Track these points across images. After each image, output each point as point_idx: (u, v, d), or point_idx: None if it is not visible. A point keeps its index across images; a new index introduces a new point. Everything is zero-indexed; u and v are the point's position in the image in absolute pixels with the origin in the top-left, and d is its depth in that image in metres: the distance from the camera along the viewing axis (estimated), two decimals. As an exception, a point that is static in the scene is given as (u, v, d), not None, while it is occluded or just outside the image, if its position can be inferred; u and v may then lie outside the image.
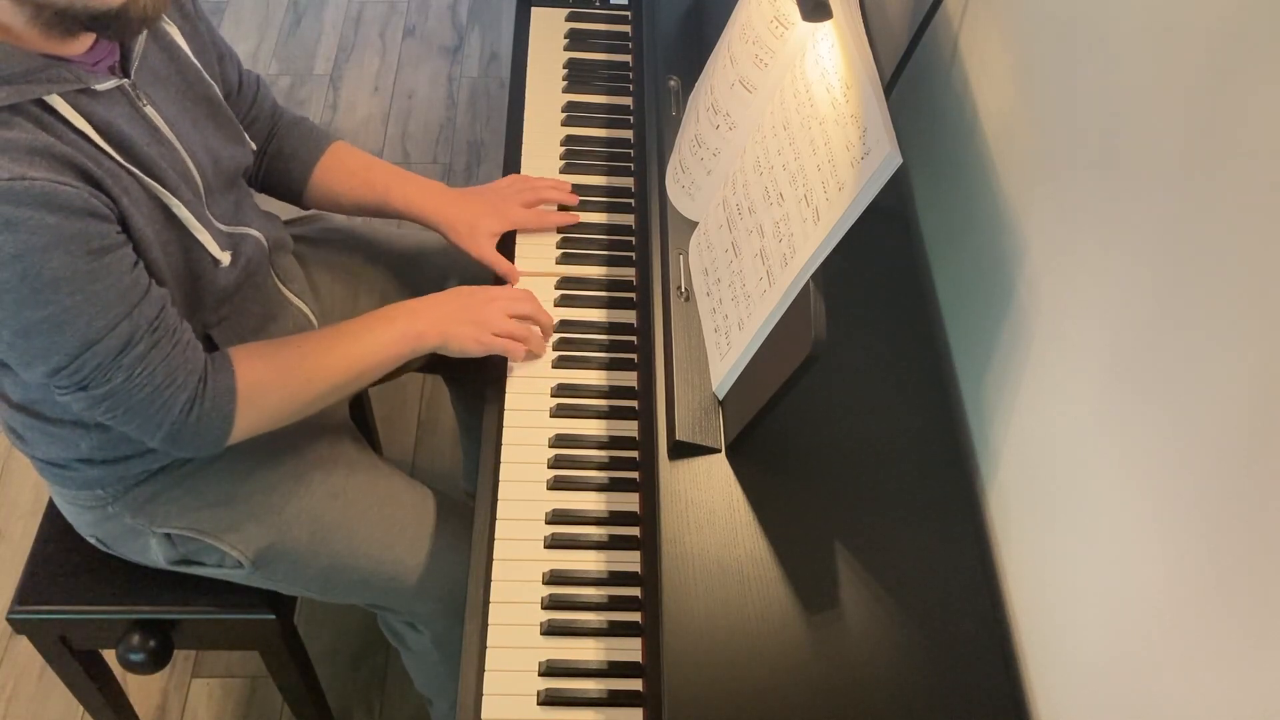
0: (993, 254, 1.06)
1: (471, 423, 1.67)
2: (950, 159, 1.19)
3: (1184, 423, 0.73)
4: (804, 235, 0.96)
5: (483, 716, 0.98)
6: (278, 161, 1.33)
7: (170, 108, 1.07)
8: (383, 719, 1.76)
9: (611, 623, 1.04)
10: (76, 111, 0.94)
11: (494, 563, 1.07)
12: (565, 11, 1.61)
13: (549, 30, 1.59)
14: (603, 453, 1.16)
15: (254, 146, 1.23)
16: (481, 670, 1.00)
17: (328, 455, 1.27)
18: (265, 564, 1.24)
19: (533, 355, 1.22)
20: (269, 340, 1.15)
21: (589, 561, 1.08)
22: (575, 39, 1.58)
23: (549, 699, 0.99)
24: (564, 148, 1.44)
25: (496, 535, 1.09)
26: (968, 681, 0.94)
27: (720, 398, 1.07)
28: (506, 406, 1.19)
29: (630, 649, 1.03)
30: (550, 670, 1.01)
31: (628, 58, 1.56)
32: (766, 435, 1.04)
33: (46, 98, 0.91)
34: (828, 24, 1.01)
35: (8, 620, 1.30)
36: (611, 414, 1.19)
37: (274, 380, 1.10)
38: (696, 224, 1.20)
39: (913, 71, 1.27)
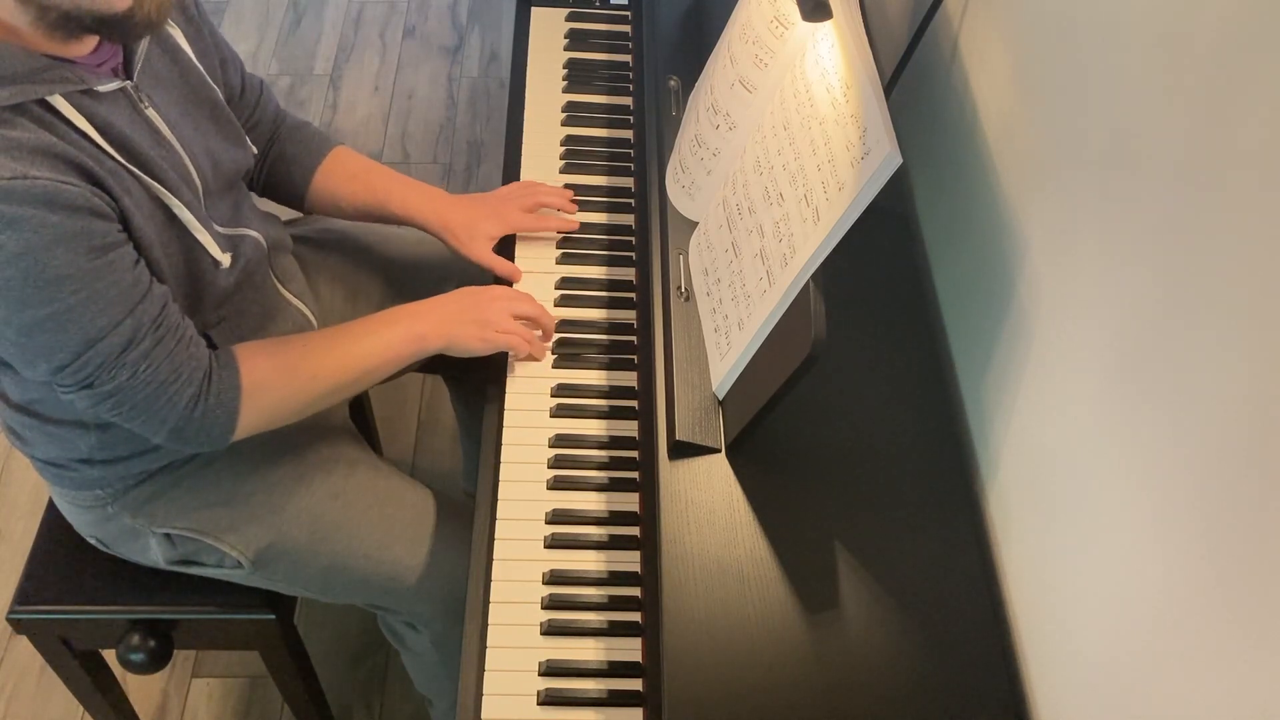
0: (993, 254, 1.06)
1: (471, 423, 1.67)
2: (950, 159, 1.19)
3: (1184, 423, 0.73)
4: (804, 235, 0.96)
5: (483, 716, 0.98)
6: (279, 166, 1.33)
7: (172, 110, 1.07)
8: (382, 719, 1.76)
9: (611, 623, 1.04)
10: (78, 112, 0.94)
11: (494, 563, 1.07)
12: (565, 11, 1.61)
13: (549, 30, 1.59)
14: (603, 453, 1.16)
15: (255, 150, 1.23)
16: (481, 670, 1.00)
17: (328, 455, 1.27)
18: (265, 564, 1.24)
19: (533, 357, 1.22)
20: (273, 338, 1.15)
21: (589, 561, 1.08)
22: (575, 39, 1.58)
23: (549, 699, 0.99)
24: (564, 148, 1.44)
25: (496, 535, 1.09)
26: (968, 681, 0.94)
27: (720, 398, 1.07)
28: (506, 406, 1.19)
29: (630, 649, 1.03)
30: (550, 670, 1.01)
31: (628, 58, 1.56)
32: (766, 435, 1.04)
33: (49, 98, 0.92)
34: (828, 24, 1.01)
35: (8, 620, 1.30)
36: (611, 414, 1.19)
37: (278, 377, 1.10)
38: (696, 224, 1.20)
39: (913, 71, 1.27)
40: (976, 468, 1.09)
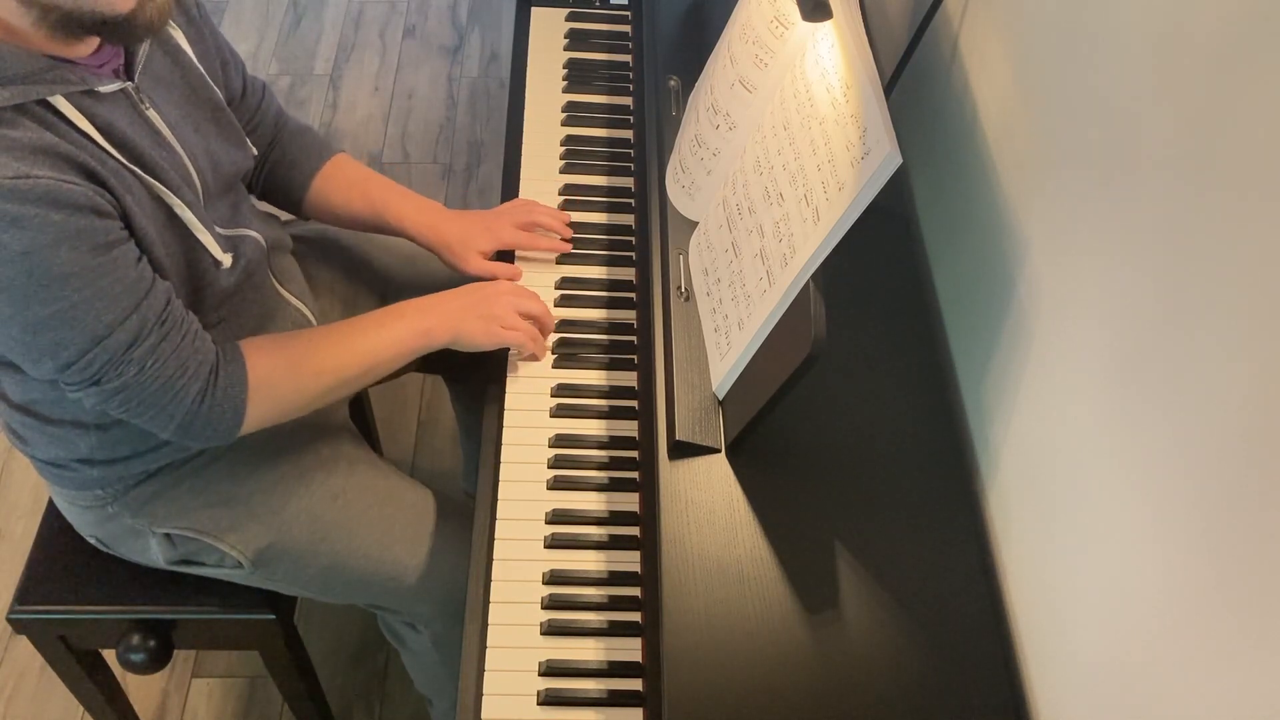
0: (993, 254, 1.06)
1: (471, 423, 1.67)
2: (950, 159, 1.19)
3: (1184, 422, 0.73)
4: (804, 235, 0.96)
5: (483, 716, 0.98)
6: (278, 169, 1.33)
7: (172, 111, 1.07)
8: (382, 719, 1.76)
9: (611, 623, 1.04)
10: (80, 112, 0.94)
11: (494, 563, 1.07)
12: (565, 11, 1.61)
13: (549, 30, 1.59)
14: (603, 453, 1.16)
15: (255, 152, 1.23)
16: (481, 670, 1.00)
17: (328, 455, 1.27)
18: (265, 564, 1.24)
19: (535, 356, 1.22)
20: (279, 333, 1.15)
21: (589, 561, 1.08)
22: (575, 39, 1.58)
23: (549, 699, 0.99)
24: (564, 148, 1.44)
25: (496, 535, 1.09)
26: (968, 681, 0.94)
27: (720, 398, 1.07)
28: (506, 406, 1.19)
29: (630, 649, 1.03)
30: (550, 670, 1.01)
31: (628, 58, 1.56)
32: (766, 435, 1.04)
33: (50, 98, 0.92)
34: (828, 24, 1.01)
35: (8, 620, 1.30)
36: (611, 414, 1.19)
37: (284, 372, 1.10)
38: (696, 224, 1.20)
39: (913, 71, 1.27)
40: (976, 468, 1.09)
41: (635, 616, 1.05)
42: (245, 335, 1.19)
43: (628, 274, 1.31)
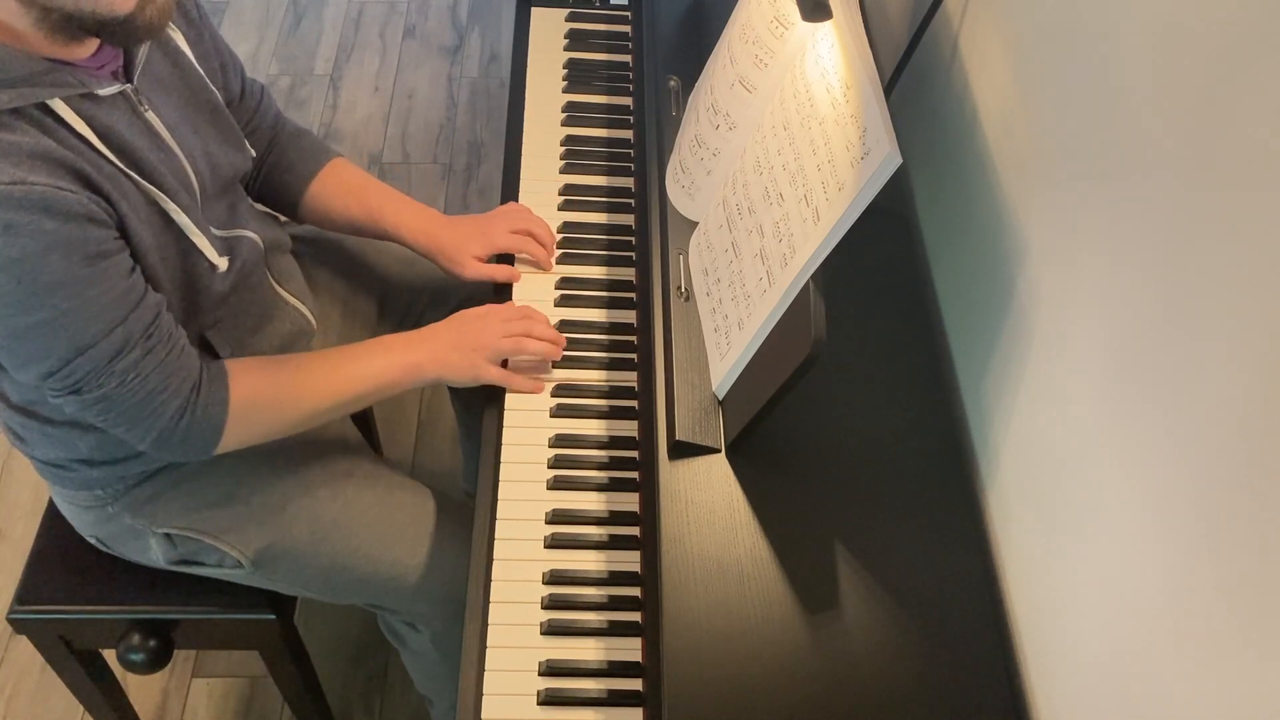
0: (993, 254, 1.06)
1: (471, 423, 1.67)
2: (950, 159, 1.19)
3: (1184, 423, 0.73)
4: (804, 235, 0.96)
5: (483, 716, 0.98)
6: (276, 172, 1.33)
7: (171, 113, 1.07)
8: (382, 719, 1.76)
9: (611, 622, 1.04)
10: (78, 116, 0.94)
11: (494, 563, 1.07)
12: (565, 11, 1.61)
13: (549, 30, 1.59)
14: (603, 453, 1.16)
15: (253, 154, 1.23)
16: (481, 670, 1.00)
17: (328, 456, 1.27)
18: (265, 564, 1.24)
19: (537, 380, 1.20)
20: (268, 356, 1.15)
21: (589, 561, 1.08)
22: (575, 39, 1.58)
23: (549, 699, 0.99)
24: (564, 148, 1.44)
25: (496, 535, 1.09)
26: (968, 681, 0.94)
27: (720, 398, 1.07)
28: (506, 406, 1.19)
29: (630, 649, 1.03)
30: (550, 670, 1.01)
31: (628, 58, 1.56)
32: (766, 435, 1.04)
33: (49, 101, 0.91)
34: (828, 24, 1.01)
35: (8, 620, 1.30)
36: (611, 414, 1.19)
37: (268, 395, 1.10)
38: (696, 224, 1.20)
39: (913, 71, 1.27)
40: (976, 468, 1.09)
41: (635, 616, 1.05)
42: (244, 336, 1.19)
43: (628, 274, 1.31)
